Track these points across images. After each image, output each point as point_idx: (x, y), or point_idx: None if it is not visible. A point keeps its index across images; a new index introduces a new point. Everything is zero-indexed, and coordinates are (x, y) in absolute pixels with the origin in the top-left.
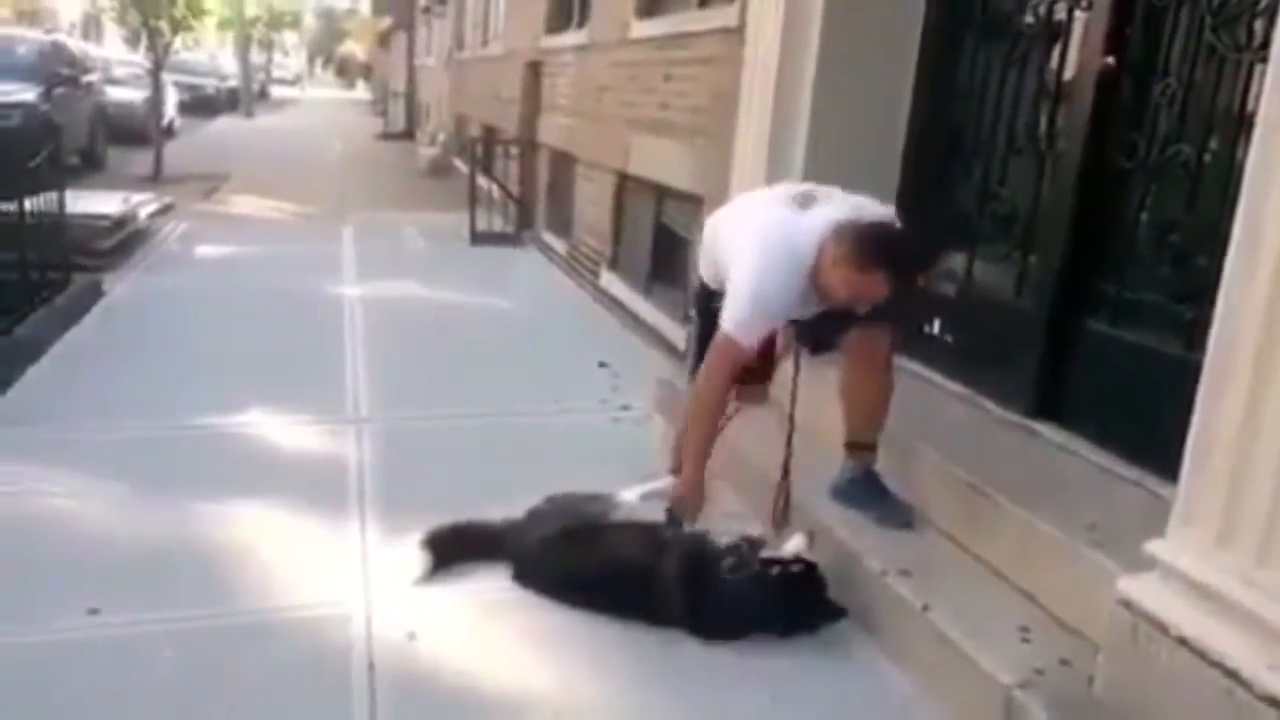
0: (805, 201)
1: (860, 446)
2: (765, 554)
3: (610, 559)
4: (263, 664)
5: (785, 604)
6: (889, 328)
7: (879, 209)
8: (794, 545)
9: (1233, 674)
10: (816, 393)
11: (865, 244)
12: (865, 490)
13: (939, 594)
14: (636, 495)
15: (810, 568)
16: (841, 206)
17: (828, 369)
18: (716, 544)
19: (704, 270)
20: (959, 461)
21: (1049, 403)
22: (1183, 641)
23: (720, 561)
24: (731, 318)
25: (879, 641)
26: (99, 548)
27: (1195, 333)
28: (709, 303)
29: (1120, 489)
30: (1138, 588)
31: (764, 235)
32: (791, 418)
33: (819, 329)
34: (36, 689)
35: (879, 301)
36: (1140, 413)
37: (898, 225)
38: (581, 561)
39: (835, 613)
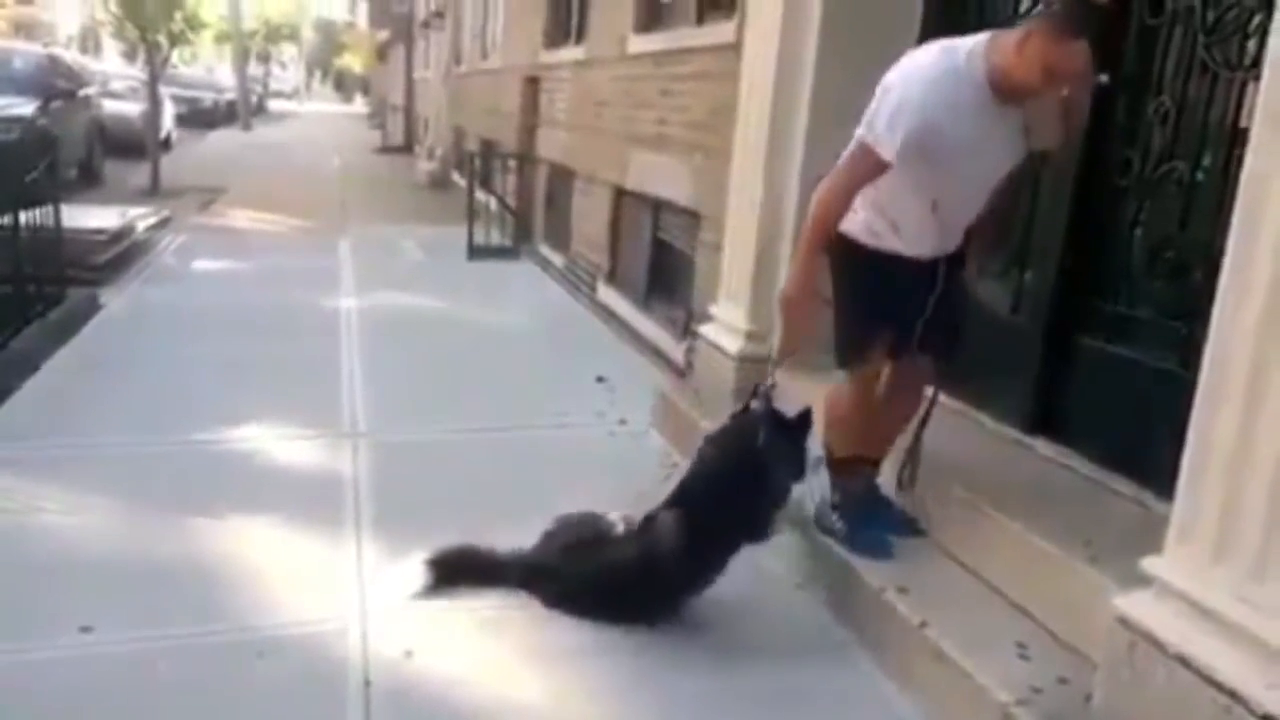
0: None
1: (867, 460)
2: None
3: (615, 559)
4: (258, 681)
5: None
6: (934, 363)
7: None
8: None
9: (1231, 693)
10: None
11: (1065, 11)
12: (868, 503)
13: (936, 610)
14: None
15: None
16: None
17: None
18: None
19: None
20: (956, 477)
21: (1045, 418)
22: (1180, 659)
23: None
24: (871, 125)
25: (876, 658)
26: (92, 564)
27: (1190, 349)
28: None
29: (1117, 504)
30: (1134, 605)
31: (915, 61)
32: (934, 396)
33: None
34: (27, 708)
35: (1074, 81)
36: (1136, 428)
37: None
38: (591, 566)
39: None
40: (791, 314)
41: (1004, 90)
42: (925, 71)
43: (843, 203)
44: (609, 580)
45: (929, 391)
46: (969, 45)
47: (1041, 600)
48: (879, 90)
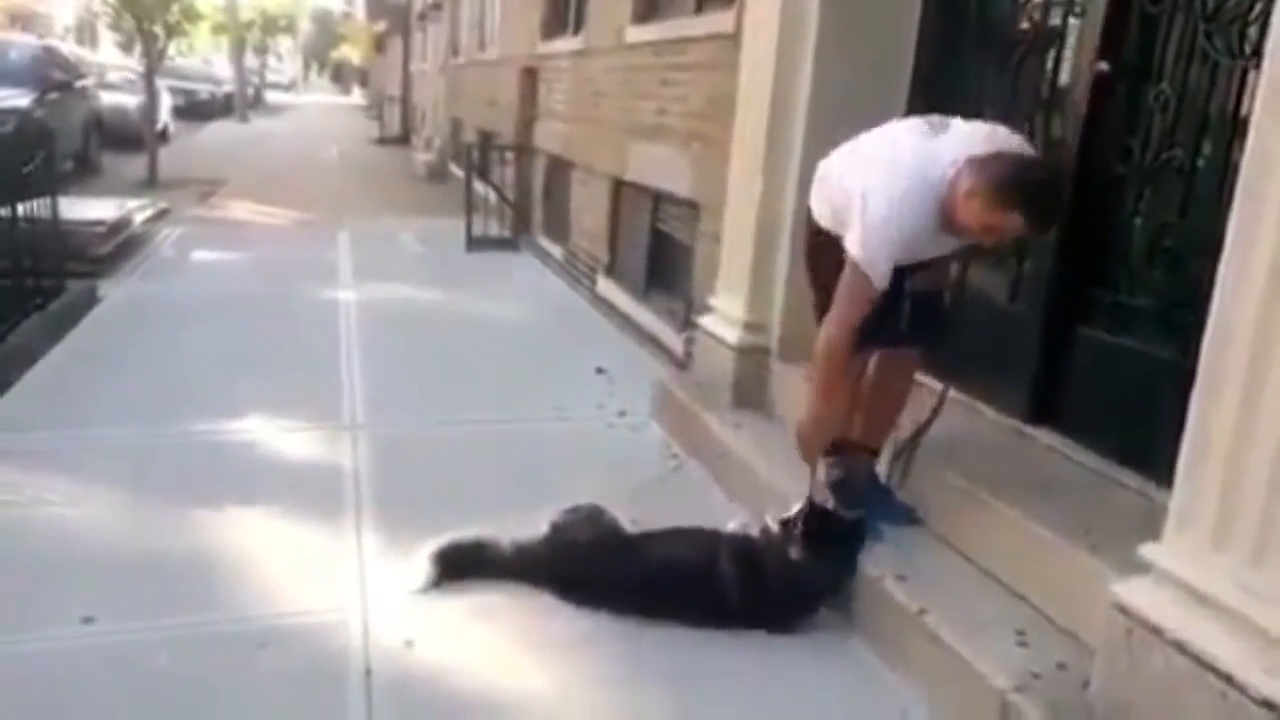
0: (938, 127)
1: (866, 449)
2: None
3: (665, 561)
4: (259, 671)
5: (834, 546)
6: (922, 351)
7: (1015, 139)
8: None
9: (1227, 678)
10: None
11: (1007, 183)
12: (868, 490)
13: (935, 598)
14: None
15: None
16: (976, 133)
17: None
18: (756, 537)
19: (817, 206)
20: (955, 466)
21: (1045, 407)
22: (1177, 645)
23: (773, 549)
24: (862, 248)
25: (875, 646)
26: (93, 555)
27: (1190, 337)
28: (815, 238)
29: (1116, 493)
30: (1133, 592)
31: (896, 161)
32: (944, 390)
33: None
34: (30, 698)
35: (1005, 241)
36: (1136, 417)
37: (1037, 162)
38: (630, 566)
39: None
40: (811, 448)
41: (948, 220)
42: (899, 183)
43: (851, 335)
44: (675, 583)
45: (938, 387)
46: (948, 159)
47: (1040, 587)
48: (858, 191)
